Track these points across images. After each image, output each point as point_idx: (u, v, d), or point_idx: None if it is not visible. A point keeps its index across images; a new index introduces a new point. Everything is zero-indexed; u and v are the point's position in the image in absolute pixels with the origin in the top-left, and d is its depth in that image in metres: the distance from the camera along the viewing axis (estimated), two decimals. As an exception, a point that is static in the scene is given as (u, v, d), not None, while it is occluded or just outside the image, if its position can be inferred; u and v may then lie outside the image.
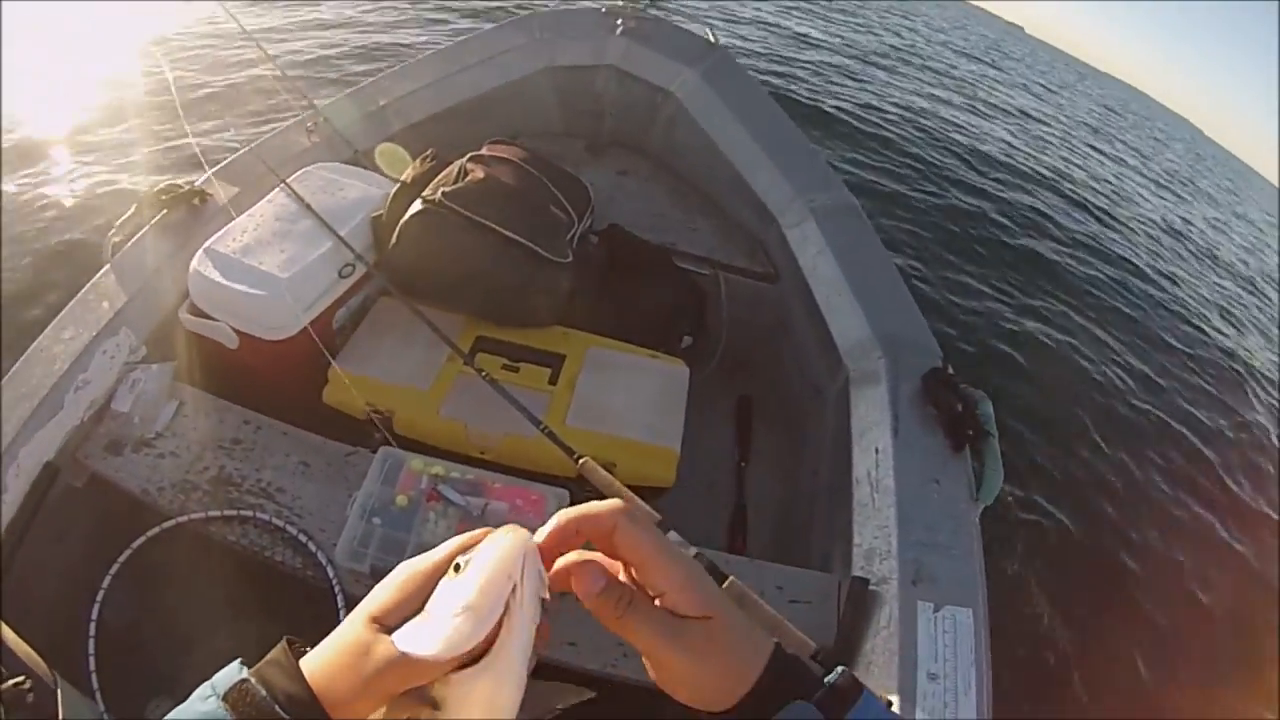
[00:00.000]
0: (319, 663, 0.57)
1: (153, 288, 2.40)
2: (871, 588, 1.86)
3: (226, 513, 1.96)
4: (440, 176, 2.45)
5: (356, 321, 2.48)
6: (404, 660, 0.54)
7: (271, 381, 2.39)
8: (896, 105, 10.31)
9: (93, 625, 1.82)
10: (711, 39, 3.68)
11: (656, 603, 0.59)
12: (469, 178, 2.40)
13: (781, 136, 3.30)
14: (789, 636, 1.59)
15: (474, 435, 2.17)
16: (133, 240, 2.49)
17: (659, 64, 3.53)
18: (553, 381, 2.33)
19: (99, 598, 1.86)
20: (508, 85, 3.53)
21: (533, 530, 0.60)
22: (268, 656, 0.58)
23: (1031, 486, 4.10)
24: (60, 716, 1.38)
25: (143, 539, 1.93)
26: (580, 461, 1.78)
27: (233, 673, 0.57)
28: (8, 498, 1.95)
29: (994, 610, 1.81)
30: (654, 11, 3.76)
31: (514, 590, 0.54)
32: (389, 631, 0.56)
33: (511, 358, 2.37)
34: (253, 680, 0.56)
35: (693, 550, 1.70)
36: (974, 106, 13.45)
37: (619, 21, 3.60)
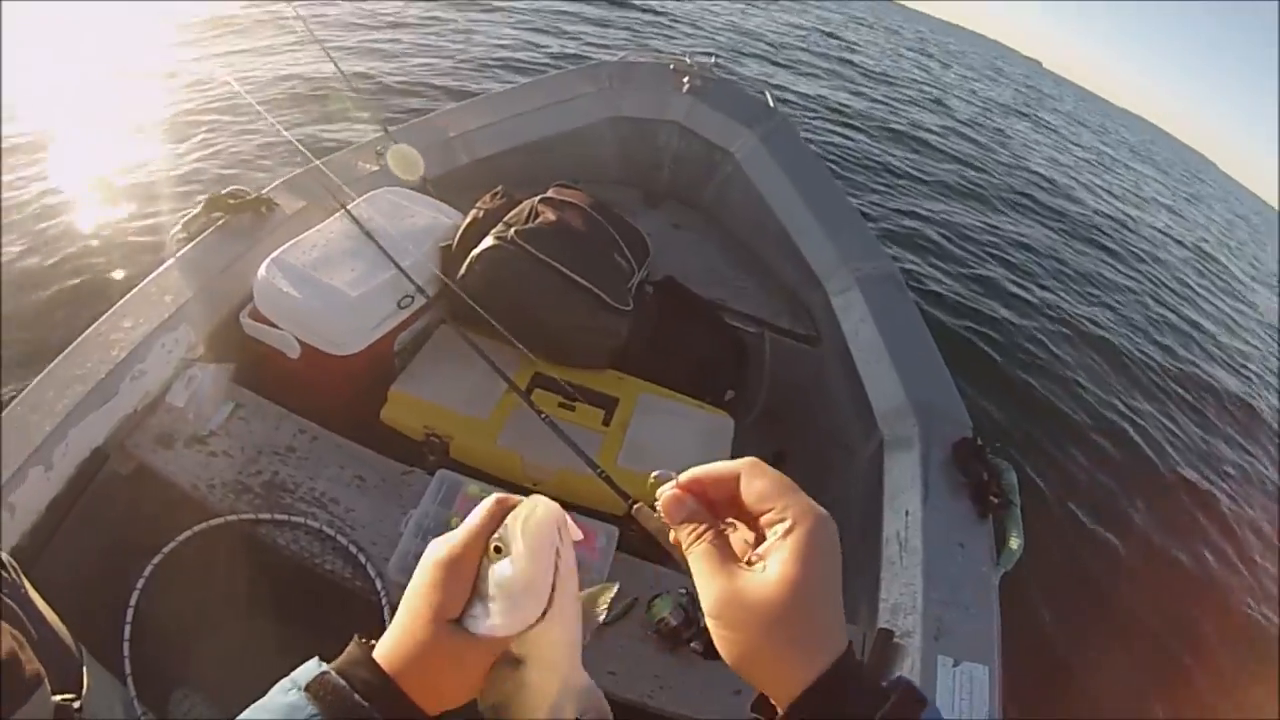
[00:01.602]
0: (399, 661, 0.63)
1: (214, 289, 2.46)
2: (896, 640, 1.92)
3: (278, 516, 2.01)
4: (512, 214, 2.53)
5: (418, 345, 2.54)
6: (493, 641, 0.63)
7: (329, 394, 2.45)
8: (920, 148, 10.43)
9: (130, 611, 1.86)
10: (770, 103, 3.78)
11: (766, 563, 0.58)
12: (540, 219, 2.49)
13: (832, 203, 3.39)
14: None
15: (529, 467, 2.24)
16: (197, 240, 2.56)
17: (720, 124, 3.63)
18: (606, 422, 2.39)
19: (139, 585, 1.90)
20: (573, 130, 3.64)
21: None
22: (344, 654, 0.65)
23: (1050, 550, 4.13)
24: (85, 689, 1.42)
25: (190, 532, 1.98)
26: (635, 507, 1.84)
27: (311, 667, 0.63)
28: (52, 475, 2.01)
29: (1009, 668, 1.88)
30: (718, 71, 3.87)
31: (557, 552, 0.63)
32: (456, 621, 0.63)
33: (568, 396, 2.44)
34: (332, 672, 0.62)
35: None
36: (1025, 161, 13.50)
37: (685, 79, 3.70)
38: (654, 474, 0.70)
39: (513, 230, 2.42)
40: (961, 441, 2.38)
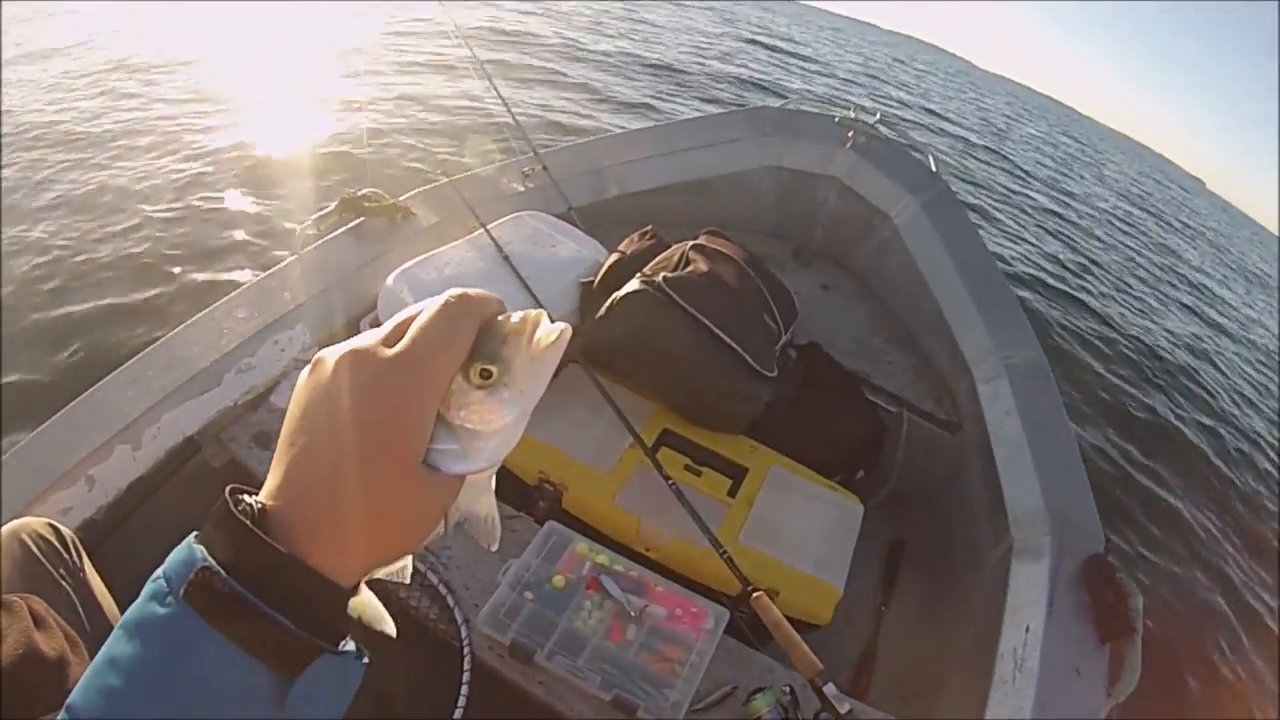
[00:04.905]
0: (304, 513, 0.48)
1: (338, 291, 2.40)
2: None
3: (367, 543, 1.89)
4: (660, 258, 2.41)
5: (544, 382, 2.42)
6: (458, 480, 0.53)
7: (442, 420, 2.35)
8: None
9: None
10: (933, 167, 3.61)
11: None
12: (691, 268, 2.35)
13: (989, 285, 3.19)
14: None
15: (645, 532, 2.08)
16: (326, 238, 2.51)
17: (882, 185, 3.47)
18: (732, 493, 2.23)
19: None
20: (729, 175, 3.52)
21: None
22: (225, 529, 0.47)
23: (1165, 685, 3.78)
24: None
25: None
26: (755, 595, 1.70)
27: (181, 554, 0.47)
28: (139, 455, 1.95)
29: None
30: (883, 129, 3.71)
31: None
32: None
33: (695, 459, 2.29)
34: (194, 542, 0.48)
35: (846, 705, 1.60)
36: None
37: (849, 134, 3.55)
38: None
39: (661, 276, 2.29)
40: (1093, 559, 2.19)
